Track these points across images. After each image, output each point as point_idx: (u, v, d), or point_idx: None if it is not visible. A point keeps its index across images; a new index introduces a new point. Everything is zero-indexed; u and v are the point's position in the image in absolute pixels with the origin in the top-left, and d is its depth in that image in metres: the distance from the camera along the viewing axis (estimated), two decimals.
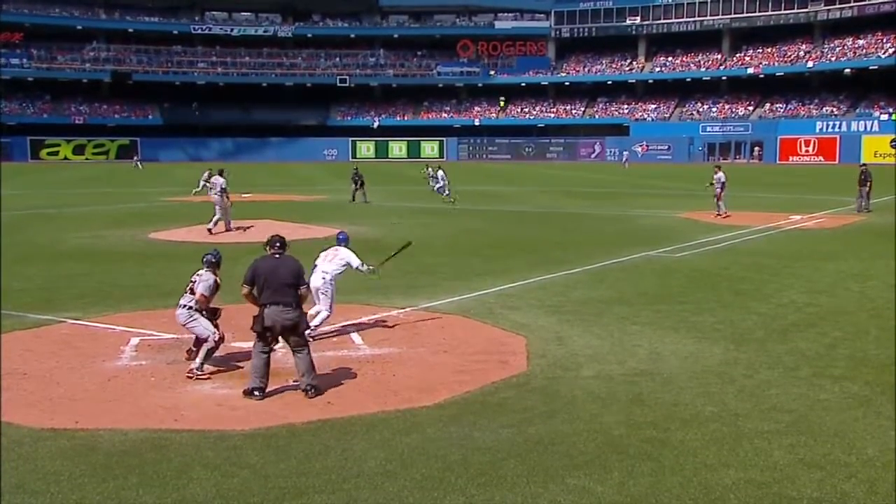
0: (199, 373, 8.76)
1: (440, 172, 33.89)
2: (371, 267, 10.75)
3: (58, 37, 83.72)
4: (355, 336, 10.55)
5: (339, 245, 10.77)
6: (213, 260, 9.21)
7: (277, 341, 8.26)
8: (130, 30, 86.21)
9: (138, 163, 70.68)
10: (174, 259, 16.92)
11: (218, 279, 9.11)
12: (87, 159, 79.45)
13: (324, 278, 10.35)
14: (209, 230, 21.42)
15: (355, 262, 10.52)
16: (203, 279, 9.01)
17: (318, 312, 10.27)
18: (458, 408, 7.70)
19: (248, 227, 22.44)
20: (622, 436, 6.96)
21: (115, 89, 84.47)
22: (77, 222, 24.93)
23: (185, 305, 9.01)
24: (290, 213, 27.13)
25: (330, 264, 10.46)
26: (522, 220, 25.93)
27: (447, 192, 32.63)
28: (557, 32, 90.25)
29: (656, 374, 8.78)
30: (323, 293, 10.31)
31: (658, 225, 23.63)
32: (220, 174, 22.41)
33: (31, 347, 9.97)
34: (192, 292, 9.01)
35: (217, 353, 9.19)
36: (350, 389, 8.36)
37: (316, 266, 10.48)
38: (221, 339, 8.93)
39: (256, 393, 8.10)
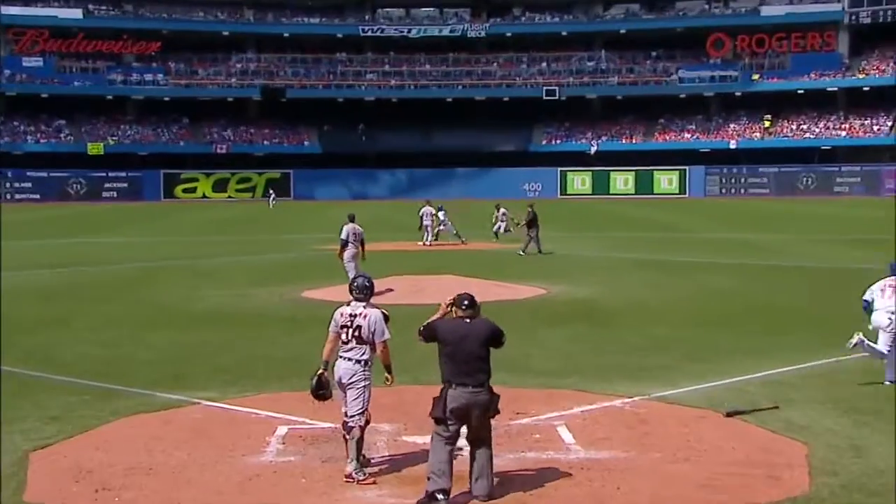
0: (360, 477, 8.95)
1: (441, 214, 37.19)
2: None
3: (200, 46, 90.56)
4: (565, 433, 10.55)
5: (894, 274, 12.86)
6: (369, 284, 9.30)
7: (459, 434, 8.39)
8: (286, 34, 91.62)
9: (272, 200, 75.19)
10: None
11: (384, 310, 9.17)
12: (229, 197, 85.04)
13: (890, 318, 12.58)
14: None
15: None
16: (373, 318, 8.98)
17: (885, 349, 12.68)
18: None
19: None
20: None
21: (265, 108, 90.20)
22: (215, 277, 26.48)
23: (359, 360, 9.01)
24: (479, 266, 27.67)
25: (890, 300, 12.62)
26: (795, 278, 25.27)
27: (435, 233, 36.86)
28: (853, 18, 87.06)
29: None
30: (888, 331, 12.61)
31: None
32: (352, 220, 22.57)
33: (158, 435, 10.63)
34: (362, 340, 9.02)
35: (387, 451, 9.35)
36: None
37: (872, 305, 12.84)
38: (367, 423, 9.12)
39: (440, 496, 8.20)
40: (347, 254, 22.18)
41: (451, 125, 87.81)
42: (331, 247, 34.64)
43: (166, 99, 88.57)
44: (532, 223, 32.01)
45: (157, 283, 25.27)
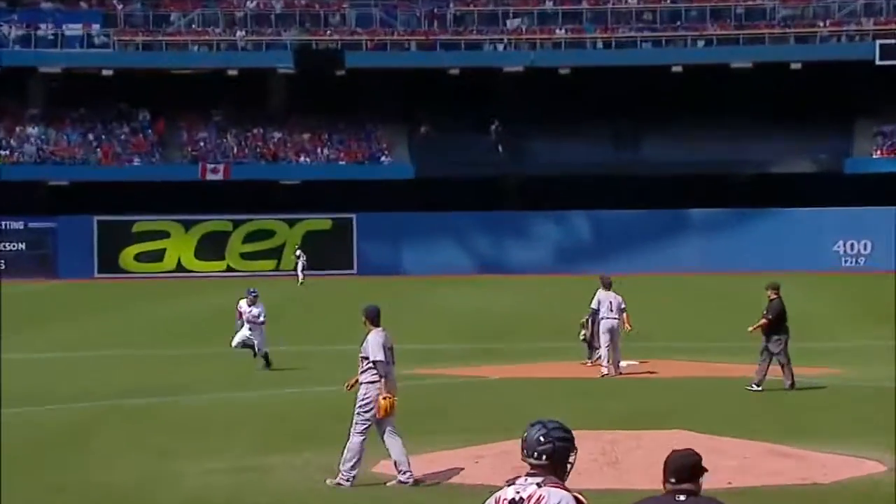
0: None
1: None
2: None
3: None
4: None
5: None
6: (556, 446, 9.40)
7: None
8: None
9: (301, 264, 79.15)
10: None
11: (578, 494, 9.33)
12: (229, 269, 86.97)
13: None
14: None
15: None
16: (554, 497, 9.12)
17: None
18: None
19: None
20: None
21: (302, 90, 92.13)
22: (200, 432, 27.62)
23: None
24: (722, 413, 29.22)
25: None
26: None
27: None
28: None
29: None
30: None
31: None
32: (374, 320, 23.34)
33: None
34: None
35: None
36: None
37: None
38: None
39: None
40: (388, 386, 23.12)
41: (679, 124, 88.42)
42: (424, 370, 34.99)
43: (107, 73, 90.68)
44: (776, 324, 33.37)
45: (89, 444, 26.20)
